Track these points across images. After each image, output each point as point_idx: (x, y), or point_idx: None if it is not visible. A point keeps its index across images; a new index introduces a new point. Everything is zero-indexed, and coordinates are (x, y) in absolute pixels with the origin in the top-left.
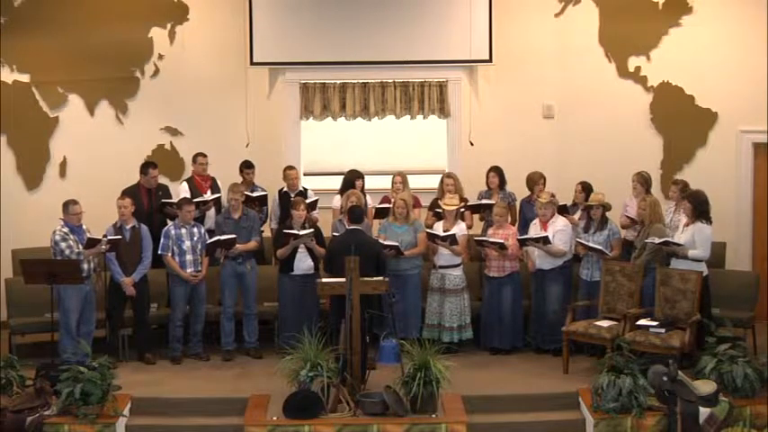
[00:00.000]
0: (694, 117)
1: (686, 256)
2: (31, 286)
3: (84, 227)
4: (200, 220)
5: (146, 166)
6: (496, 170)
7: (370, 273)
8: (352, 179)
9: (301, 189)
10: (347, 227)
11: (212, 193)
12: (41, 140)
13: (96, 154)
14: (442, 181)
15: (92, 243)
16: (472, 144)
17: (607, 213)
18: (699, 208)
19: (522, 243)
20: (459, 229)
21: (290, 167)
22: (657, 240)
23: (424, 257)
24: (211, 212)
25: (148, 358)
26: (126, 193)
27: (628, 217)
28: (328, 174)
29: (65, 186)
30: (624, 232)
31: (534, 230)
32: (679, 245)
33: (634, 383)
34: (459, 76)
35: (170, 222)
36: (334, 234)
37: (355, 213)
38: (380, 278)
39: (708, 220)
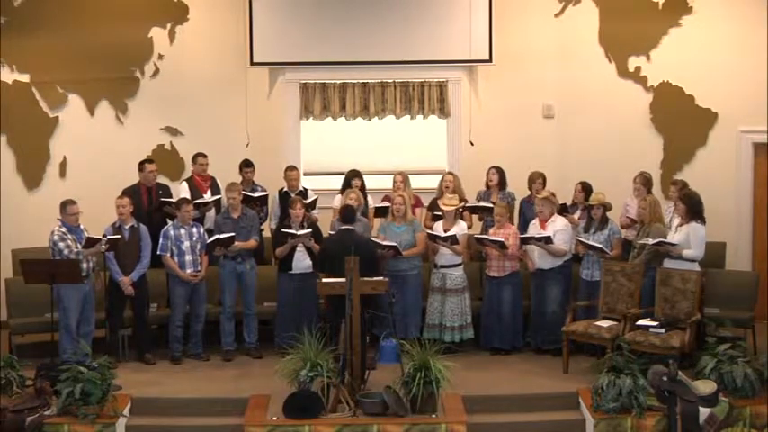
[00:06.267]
0: (694, 117)
1: (680, 255)
2: (31, 286)
3: (81, 227)
4: (199, 220)
5: (142, 163)
6: (497, 169)
7: (363, 272)
8: (349, 178)
9: (301, 189)
10: (339, 227)
11: (212, 192)
12: (41, 140)
13: (96, 154)
14: (442, 179)
15: (91, 242)
16: (472, 144)
17: (607, 213)
18: (693, 208)
19: (524, 242)
20: (460, 228)
21: (292, 168)
22: (651, 241)
23: (423, 257)
24: (211, 212)
25: (148, 358)
26: (126, 192)
27: (628, 217)
28: (328, 174)
29: (65, 186)
30: (624, 232)
31: (534, 230)
32: (673, 245)
33: (634, 383)
34: (459, 76)
35: (169, 223)
36: (330, 233)
37: (346, 213)
38: (380, 278)
39: (702, 220)
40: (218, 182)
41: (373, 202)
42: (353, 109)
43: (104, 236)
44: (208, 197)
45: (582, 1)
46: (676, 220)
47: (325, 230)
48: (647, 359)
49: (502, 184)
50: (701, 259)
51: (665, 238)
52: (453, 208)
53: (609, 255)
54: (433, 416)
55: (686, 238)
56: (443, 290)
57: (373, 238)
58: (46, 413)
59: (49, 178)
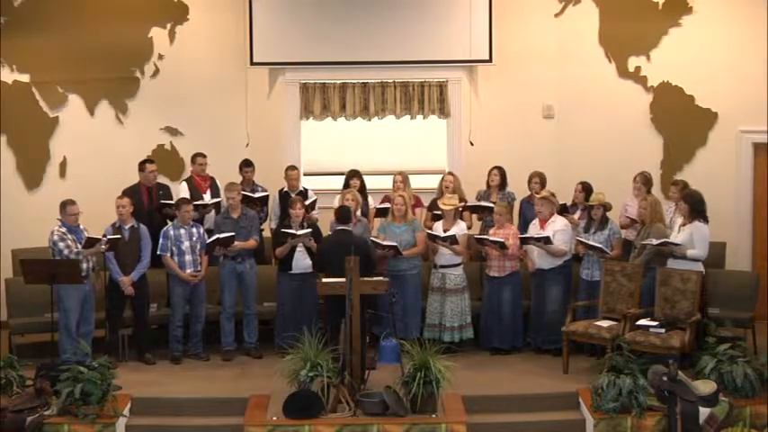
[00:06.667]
0: (694, 117)
1: (685, 255)
2: (31, 286)
3: (81, 227)
4: (199, 220)
5: (142, 163)
6: (499, 170)
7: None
8: (348, 179)
9: (302, 189)
10: (335, 227)
11: (212, 192)
12: (41, 140)
13: (96, 154)
14: (442, 179)
15: (91, 242)
16: (472, 144)
17: (607, 213)
18: (695, 208)
19: (524, 242)
20: (459, 228)
21: (292, 168)
22: (655, 242)
23: (423, 257)
24: (210, 213)
25: (148, 358)
26: (126, 192)
27: (627, 217)
28: (328, 174)
29: (65, 186)
30: (624, 232)
31: (534, 231)
32: (677, 245)
33: (634, 383)
34: (459, 76)
35: (169, 223)
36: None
37: (342, 214)
38: (380, 278)
39: (705, 219)
40: (218, 182)
41: (373, 202)
42: (353, 109)
43: (104, 236)
44: (207, 197)
45: (582, 1)
46: (679, 220)
47: (326, 231)
48: (647, 359)
49: (502, 184)
50: (705, 258)
51: (667, 237)
52: (452, 207)
53: (609, 255)
54: (433, 416)
55: (690, 237)
56: (443, 290)
57: (373, 238)
58: (46, 413)
59: (49, 178)
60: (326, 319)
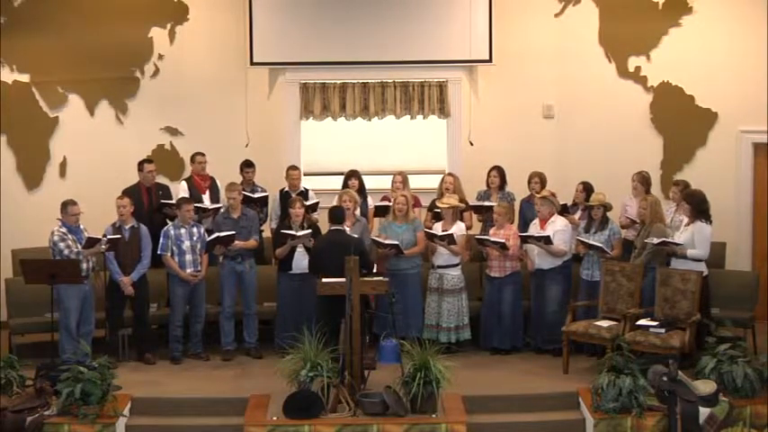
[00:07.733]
0: (694, 117)
1: (685, 255)
2: (31, 286)
3: (81, 227)
4: (198, 219)
5: (141, 163)
6: (498, 170)
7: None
8: (346, 179)
9: (303, 190)
10: (329, 227)
11: (211, 192)
12: (41, 140)
13: (96, 154)
14: (442, 180)
15: (91, 243)
16: (472, 144)
17: (607, 213)
18: (697, 207)
19: (524, 240)
20: (458, 228)
21: (294, 167)
22: (656, 241)
23: (423, 257)
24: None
25: (148, 358)
26: (126, 192)
27: (628, 217)
28: (328, 174)
29: (65, 186)
30: (624, 232)
31: (534, 231)
32: (677, 244)
33: (634, 383)
34: (459, 76)
35: (169, 222)
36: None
37: (335, 214)
38: (381, 278)
39: (708, 219)
40: (218, 182)
41: (372, 202)
42: (353, 109)
43: (104, 236)
44: (206, 198)
45: (582, 1)
46: (685, 219)
47: (325, 231)
48: (647, 359)
49: (502, 184)
50: (706, 258)
51: (667, 237)
52: (448, 206)
53: (609, 255)
54: (433, 416)
55: (691, 237)
56: (440, 290)
57: (374, 237)
58: (46, 413)
59: (49, 178)
60: (322, 318)
